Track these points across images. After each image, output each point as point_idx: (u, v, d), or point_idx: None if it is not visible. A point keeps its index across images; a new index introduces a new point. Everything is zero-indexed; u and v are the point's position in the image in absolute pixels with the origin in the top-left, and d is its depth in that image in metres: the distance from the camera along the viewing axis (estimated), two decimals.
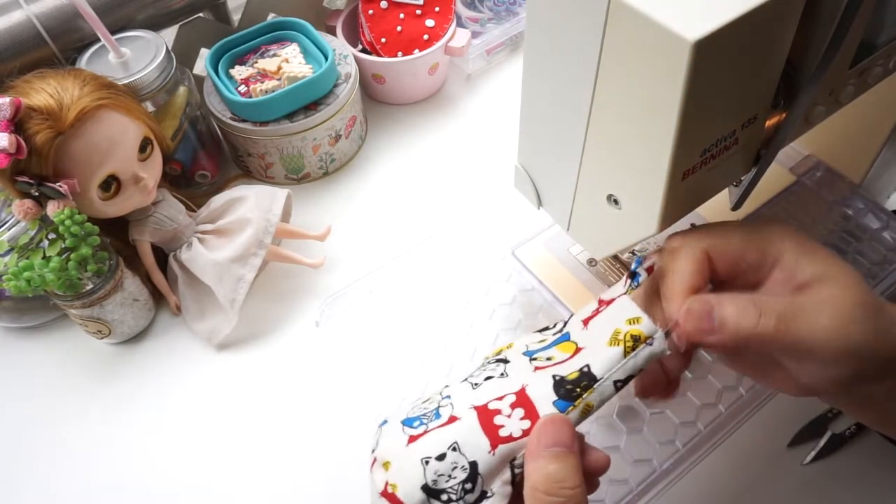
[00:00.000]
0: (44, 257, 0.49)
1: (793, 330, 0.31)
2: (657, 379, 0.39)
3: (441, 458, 0.32)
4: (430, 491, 0.31)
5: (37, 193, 0.47)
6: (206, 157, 0.64)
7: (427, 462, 0.32)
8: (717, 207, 0.41)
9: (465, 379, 0.37)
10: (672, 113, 0.29)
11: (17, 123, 0.45)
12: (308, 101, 0.61)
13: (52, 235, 0.50)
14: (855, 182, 0.55)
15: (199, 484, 0.49)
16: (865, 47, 0.35)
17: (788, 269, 0.34)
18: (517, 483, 0.32)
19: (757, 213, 0.54)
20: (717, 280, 0.36)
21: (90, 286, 0.51)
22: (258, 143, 0.62)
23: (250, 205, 0.56)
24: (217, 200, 0.57)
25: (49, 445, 0.52)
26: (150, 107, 0.57)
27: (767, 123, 0.35)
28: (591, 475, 0.33)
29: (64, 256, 0.49)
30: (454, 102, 0.72)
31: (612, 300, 0.36)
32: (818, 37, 0.31)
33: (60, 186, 0.47)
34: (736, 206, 0.39)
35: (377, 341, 0.52)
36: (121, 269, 0.53)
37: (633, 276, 0.36)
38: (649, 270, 0.36)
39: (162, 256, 0.58)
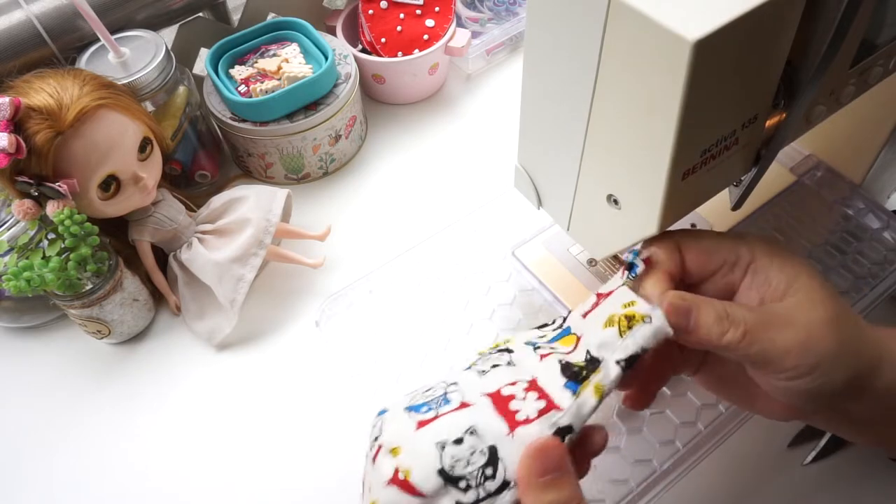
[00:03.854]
0: (43, 257, 0.49)
1: (757, 342, 0.32)
2: (647, 392, 0.39)
3: (458, 441, 0.31)
4: (448, 477, 0.30)
5: (36, 193, 0.47)
6: (205, 157, 0.64)
7: (443, 446, 0.31)
8: (717, 207, 0.41)
9: (469, 367, 0.36)
10: (672, 113, 0.29)
11: (17, 123, 0.45)
12: (308, 101, 0.61)
13: (51, 235, 0.50)
14: (855, 182, 0.55)
15: (199, 484, 0.49)
16: (866, 47, 0.35)
17: (762, 272, 0.34)
18: None
19: (750, 218, 0.54)
20: (688, 281, 0.36)
21: (90, 286, 0.51)
22: (258, 143, 0.62)
23: (250, 205, 0.56)
24: (217, 200, 0.57)
25: (49, 445, 0.52)
26: (149, 107, 0.57)
27: (767, 123, 0.35)
28: (588, 458, 0.33)
29: (63, 256, 0.49)
30: (454, 102, 0.72)
31: (611, 292, 0.36)
32: (818, 37, 0.31)
33: (60, 186, 0.47)
34: (736, 206, 0.39)
35: (377, 341, 0.52)
36: (120, 269, 0.53)
37: (630, 267, 0.36)
38: (646, 262, 0.36)
39: (162, 256, 0.58)
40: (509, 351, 0.36)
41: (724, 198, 0.39)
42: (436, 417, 0.32)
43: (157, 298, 0.58)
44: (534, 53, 0.36)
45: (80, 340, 0.57)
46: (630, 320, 0.33)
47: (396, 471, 0.31)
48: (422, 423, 0.32)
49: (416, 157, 0.68)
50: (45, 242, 0.50)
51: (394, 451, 0.32)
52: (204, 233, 0.56)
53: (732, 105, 0.32)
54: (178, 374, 0.55)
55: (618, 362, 0.32)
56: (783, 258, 0.34)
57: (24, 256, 0.49)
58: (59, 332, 0.58)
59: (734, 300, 0.35)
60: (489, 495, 0.30)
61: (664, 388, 0.47)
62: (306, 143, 0.62)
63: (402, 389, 0.48)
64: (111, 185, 0.50)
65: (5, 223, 0.52)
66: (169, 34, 0.63)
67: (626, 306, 0.34)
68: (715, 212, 0.52)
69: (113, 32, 0.55)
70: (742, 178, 0.37)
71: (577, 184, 0.39)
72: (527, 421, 0.31)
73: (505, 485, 0.31)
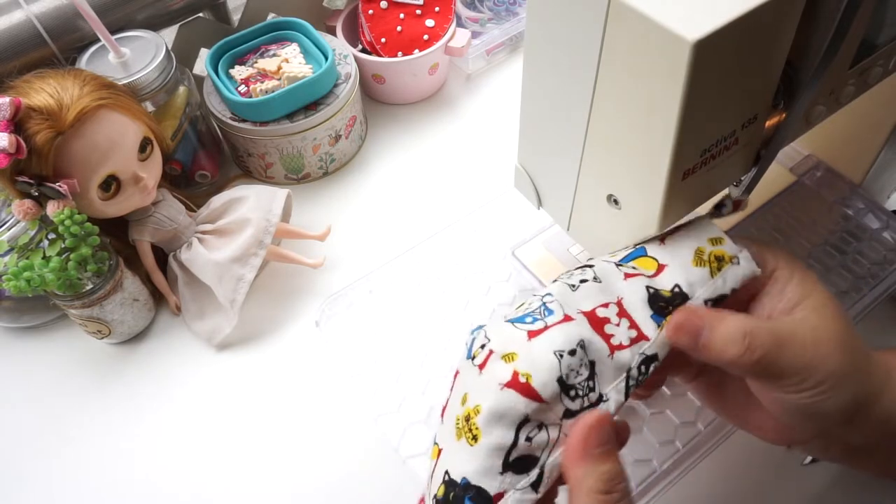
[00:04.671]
0: (44, 257, 0.49)
1: (775, 363, 0.32)
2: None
3: (572, 353, 0.32)
4: (564, 385, 0.31)
5: (37, 193, 0.47)
6: (206, 157, 0.64)
7: (561, 355, 0.31)
8: None
9: (556, 280, 0.36)
10: (672, 113, 0.29)
11: (17, 123, 0.45)
12: (308, 101, 0.61)
13: (51, 235, 0.50)
14: (855, 182, 0.55)
15: (199, 484, 0.49)
16: (865, 47, 0.35)
17: (782, 282, 0.34)
18: (629, 395, 0.33)
19: (750, 218, 0.54)
20: None
21: (90, 286, 0.51)
22: (258, 143, 0.62)
23: (250, 205, 0.56)
24: (217, 200, 0.57)
25: (49, 445, 0.52)
26: (149, 107, 0.57)
27: (767, 123, 0.35)
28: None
29: (64, 256, 0.49)
30: (454, 102, 0.72)
31: (691, 222, 0.36)
32: (818, 37, 0.31)
33: (60, 186, 0.47)
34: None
35: (377, 341, 0.52)
36: (121, 269, 0.53)
37: (719, 205, 0.37)
38: (736, 203, 0.37)
39: (162, 256, 0.58)
40: (590, 266, 0.36)
41: None
42: (546, 328, 0.33)
43: (157, 298, 0.58)
44: (534, 53, 0.36)
45: (80, 340, 0.57)
46: (720, 261, 0.34)
47: (516, 374, 0.31)
48: (533, 333, 0.32)
49: (416, 157, 0.68)
50: (46, 242, 0.50)
51: (508, 357, 0.32)
52: (204, 233, 0.56)
53: (732, 105, 0.32)
54: (178, 374, 0.55)
55: (706, 301, 0.33)
56: (803, 273, 0.34)
57: (24, 256, 0.49)
58: (59, 332, 0.58)
59: (755, 305, 0.35)
60: (590, 404, 0.32)
61: (664, 388, 0.47)
62: (306, 143, 0.62)
63: (402, 389, 0.49)
64: (111, 185, 0.50)
65: (5, 223, 0.52)
66: (169, 34, 0.63)
67: (712, 242, 0.35)
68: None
69: (113, 32, 0.55)
70: (742, 178, 0.37)
71: (577, 184, 0.39)
72: (621, 346, 0.33)
73: (601, 397, 0.32)
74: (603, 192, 0.37)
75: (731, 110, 0.32)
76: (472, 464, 0.31)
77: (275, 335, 0.56)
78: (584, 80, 0.33)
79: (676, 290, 0.34)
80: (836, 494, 0.46)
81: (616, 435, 0.33)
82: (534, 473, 0.31)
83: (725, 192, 0.37)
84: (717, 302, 0.34)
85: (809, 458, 0.48)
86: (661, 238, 0.36)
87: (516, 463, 0.31)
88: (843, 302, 0.49)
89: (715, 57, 0.28)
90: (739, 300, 0.35)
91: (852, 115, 0.43)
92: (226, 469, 0.49)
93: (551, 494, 0.32)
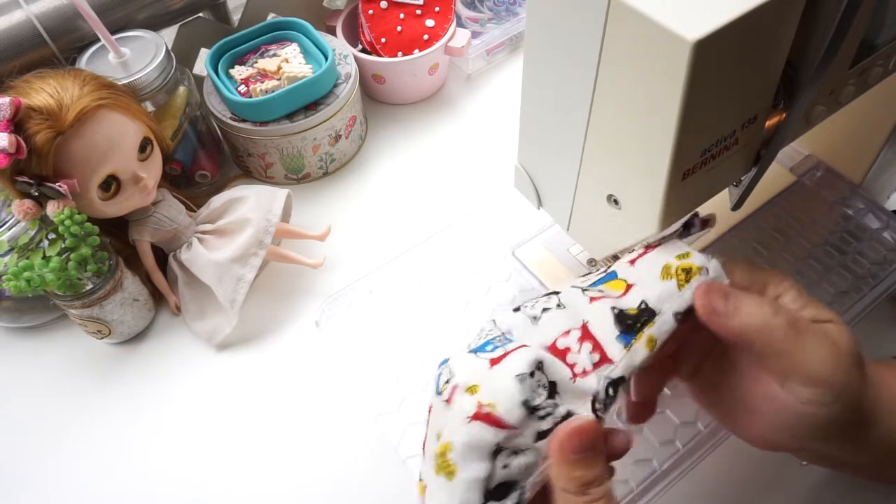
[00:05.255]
0: (44, 257, 0.49)
1: (797, 342, 0.32)
2: (644, 404, 0.39)
3: (532, 374, 0.32)
4: (529, 407, 0.31)
5: (37, 193, 0.47)
6: (206, 157, 0.64)
7: (522, 379, 0.32)
8: (717, 207, 0.41)
9: (517, 309, 0.36)
10: (672, 113, 0.29)
11: (17, 123, 0.45)
12: (308, 101, 0.61)
13: (51, 235, 0.50)
14: (855, 182, 0.55)
15: (199, 483, 0.49)
16: (865, 47, 0.35)
17: (799, 302, 0.34)
18: (598, 413, 0.32)
19: (750, 218, 0.54)
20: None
21: (90, 286, 0.51)
22: (258, 143, 0.62)
23: (250, 205, 0.56)
24: (217, 200, 0.57)
25: (49, 445, 0.52)
26: (149, 107, 0.57)
27: (767, 123, 0.35)
28: (611, 458, 0.34)
29: (64, 256, 0.49)
30: (454, 102, 0.72)
31: (660, 243, 0.36)
32: (818, 37, 0.31)
33: (60, 186, 0.47)
34: (736, 206, 0.39)
35: (377, 341, 0.52)
36: (121, 269, 0.53)
37: (687, 225, 0.36)
38: (703, 222, 0.36)
39: (162, 256, 0.58)
40: (556, 293, 0.36)
41: (724, 198, 0.39)
42: (506, 354, 0.33)
43: (157, 298, 0.58)
44: (534, 53, 0.36)
45: (80, 340, 0.57)
46: (688, 273, 0.33)
47: (479, 405, 0.31)
48: (494, 361, 0.33)
49: (416, 157, 0.68)
50: (46, 242, 0.50)
51: (471, 389, 0.32)
52: (204, 233, 0.56)
53: (732, 105, 0.32)
54: (178, 374, 0.55)
55: (675, 314, 0.33)
56: (808, 297, 0.34)
57: (24, 256, 0.49)
58: (59, 332, 0.58)
59: None
60: (562, 419, 0.32)
61: (664, 388, 0.47)
62: (306, 143, 0.62)
63: (402, 389, 0.49)
64: (111, 185, 0.50)
65: (5, 223, 0.52)
66: (169, 34, 0.63)
67: (680, 258, 0.34)
68: (715, 212, 0.52)
69: (113, 32, 0.55)
70: (742, 178, 0.37)
71: (577, 184, 0.39)
72: (584, 373, 0.33)
73: (569, 413, 0.32)
74: (603, 192, 0.37)
75: (731, 110, 0.32)
76: (452, 500, 0.31)
77: (275, 335, 0.56)
78: (584, 80, 0.33)
79: (643, 306, 0.33)
80: (836, 495, 0.46)
81: (615, 443, 0.33)
82: (514, 495, 0.31)
83: (694, 211, 0.37)
84: (686, 315, 0.33)
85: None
86: (632, 261, 0.36)
87: (497, 491, 0.31)
88: (843, 302, 0.49)
89: (715, 57, 0.28)
90: None
91: (852, 115, 0.43)
92: (226, 469, 0.49)
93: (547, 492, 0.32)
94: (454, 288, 0.54)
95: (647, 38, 0.28)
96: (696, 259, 0.34)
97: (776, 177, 0.56)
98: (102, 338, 0.55)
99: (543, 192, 0.43)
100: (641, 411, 0.40)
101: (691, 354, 0.38)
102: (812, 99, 0.34)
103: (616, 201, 0.36)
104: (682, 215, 0.36)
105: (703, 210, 0.37)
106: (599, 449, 0.32)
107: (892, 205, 0.54)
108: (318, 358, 0.54)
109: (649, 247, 0.37)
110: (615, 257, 0.51)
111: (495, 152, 0.67)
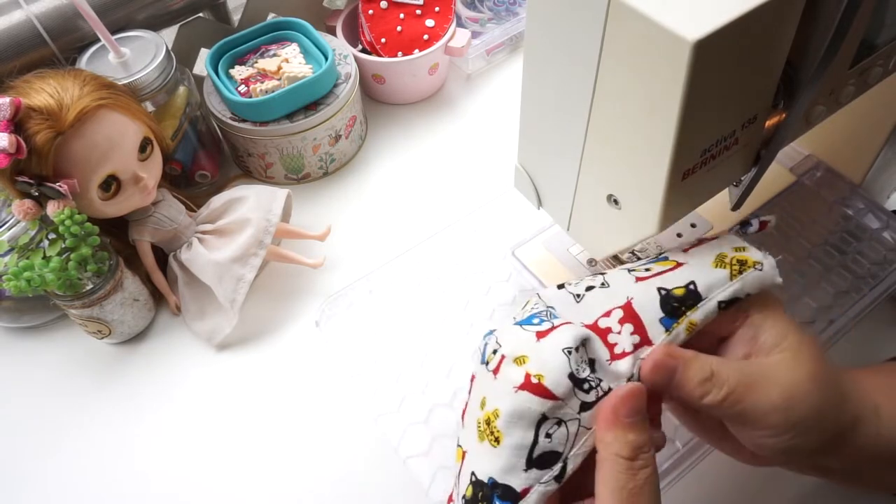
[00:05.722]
0: (44, 257, 0.49)
1: (738, 404, 0.32)
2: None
3: (578, 349, 0.33)
4: (575, 380, 0.32)
5: (37, 193, 0.47)
6: (206, 157, 0.64)
7: (569, 352, 0.32)
8: (717, 207, 0.41)
9: (561, 286, 0.37)
10: (672, 113, 0.29)
11: (17, 123, 0.45)
12: (308, 101, 0.61)
13: (52, 235, 0.50)
14: (855, 182, 0.55)
15: (198, 483, 0.49)
16: (865, 47, 0.35)
17: (754, 327, 0.34)
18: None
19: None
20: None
21: (90, 286, 0.51)
22: (258, 143, 0.62)
23: (250, 205, 0.56)
24: (217, 200, 0.57)
25: (49, 445, 0.52)
26: (149, 107, 0.57)
27: (767, 123, 0.35)
28: None
29: (64, 256, 0.49)
30: (454, 102, 0.72)
31: (716, 236, 0.37)
32: (818, 37, 0.31)
33: (60, 186, 0.47)
34: (736, 206, 0.39)
35: (377, 341, 0.52)
36: (121, 269, 0.53)
37: (744, 223, 0.37)
38: (762, 225, 0.37)
39: (162, 256, 0.58)
40: (602, 273, 0.37)
41: (724, 198, 0.39)
42: (553, 329, 0.34)
43: (157, 298, 0.58)
44: (534, 53, 0.36)
45: (80, 340, 0.57)
46: (742, 265, 0.34)
47: (528, 376, 0.32)
48: (541, 334, 0.34)
49: (416, 157, 0.68)
50: (46, 242, 0.50)
51: (519, 360, 0.33)
52: (204, 233, 0.56)
53: (732, 105, 0.32)
54: (178, 374, 0.55)
55: (719, 303, 0.33)
56: (776, 317, 0.34)
57: (24, 256, 0.49)
58: (59, 332, 0.58)
59: (725, 348, 0.35)
60: (605, 393, 0.33)
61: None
62: (306, 143, 0.62)
63: (402, 389, 0.49)
64: (111, 185, 0.50)
65: (5, 223, 0.52)
66: (169, 34, 0.63)
67: (736, 250, 0.35)
68: (715, 212, 0.52)
69: (113, 32, 0.55)
70: (742, 178, 0.37)
71: (577, 184, 0.39)
72: (623, 354, 0.33)
73: (610, 389, 0.33)
74: (603, 192, 0.37)
75: (731, 110, 0.32)
76: (496, 464, 0.32)
77: (275, 335, 0.56)
78: (584, 80, 0.33)
79: (691, 287, 0.34)
80: (836, 494, 0.46)
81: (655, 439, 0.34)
82: (557, 467, 0.32)
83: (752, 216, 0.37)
84: (730, 304, 0.33)
85: None
86: (685, 249, 0.37)
87: (539, 460, 0.32)
88: (843, 302, 0.49)
89: (715, 57, 0.28)
90: (710, 343, 0.35)
91: (852, 115, 0.43)
92: (226, 469, 0.49)
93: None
94: (454, 288, 0.54)
95: (647, 38, 0.28)
96: (753, 253, 0.35)
97: (776, 177, 0.56)
98: (102, 338, 0.55)
99: (543, 192, 0.43)
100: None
101: None
102: (812, 99, 0.34)
103: (616, 201, 0.36)
104: (682, 215, 0.36)
105: (704, 209, 0.37)
106: (646, 416, 0.32)
107: (892, 205, 0.54)
108: (318, 358, 0.54)
109: (703, 240, 0.37)
110: (615, 258, 0.51)
111: (495, 152, 0.67)
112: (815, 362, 0.33)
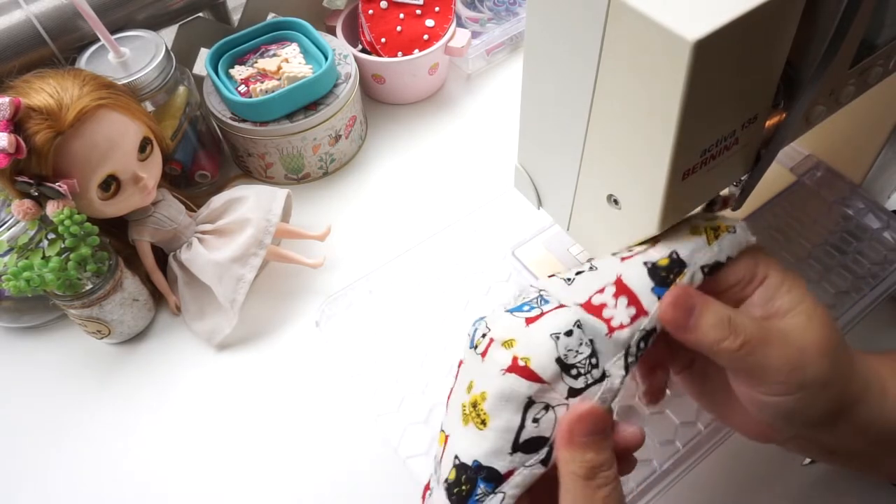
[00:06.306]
0: (43, 257, 0.49)
1: (752, 354, 0.32)
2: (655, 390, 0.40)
3: (569, 333, 0.33)
4: (563, 365, 0.32)
5: (36, 193, 0.47)
6: (205, 157, 0.64)
7: (557, 337, 0.33)
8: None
9: (552, 275, 0.37)
10: (672, 113, 0.29)
11: (17, 123, 0.45)
12: (308, 101, 0.61)
13: (51, 235, 0.50)
14: (855, 182, 0.55)
15: (198, 483, 0.49)
16: (865, 47, 0.35)
17: (770, 290, 0.34)
18: (629, 368, 0.33)
19: (750, 218, 0.54)
20: (706, 291, 0.36)
21: (90, 286, 0.51)
22: (258, 143, 0.62)
23: (250, 205, 0.56)
24: (217, 200, 0.57)
25: (48, 445, 0.52)
26: (149, 107, 0.57)
27: (767, 123, 0.35)
28: (625, 452, 0.34)
29: (63, 256, 0.49)
30: (454, 102, 0.72)
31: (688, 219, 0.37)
32: (818, 37, 0.31)
33: (60, 186, 0.47)
34: (736, 207, 0.39)
35: (377, 341, 0.52)
36: (120, 269, 0.53)
37: (710, 204, 0.38)
38: (724, 201, 0.37)
39: (162, 256, 0.58)
40: (588, 261, 0.38)
41: None
42: (542, 315, 0.34)
43: (157, 298, 0.58)
44: (534, 53, 0.36)
45: (80, 340, 0.57)
46: (716, 231, 0.35)
47: (515, 359, 0.33)
48: (530, 320, 0.34)
49: (416, 157, 0.68)
50: (45, 242, 0.50)
51: (507, 344, 0.33)
52: (204, 233, 0.56)
53: (732, 105, 0.32)
54: (178, 374, 0.55)
55: (702, 268, 0.34)
56: (793, 281, 0.34)
57: (24, 256, 0.49)
58: (59, 332, 0.58)
59: (740, 311, 0.35)
60: (594, 381, 0.33)
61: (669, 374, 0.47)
62: (306, 143, 0.62)
63: (402, 389, 0.49)
64: (111, 185, 0.50)
65: (5, 223, 0.52)
66: (169, 34, 0.63)
67: (708, 220, 0.36)
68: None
69: (113, 32, 0.55)
70: (742, 178, 0.37)
71: (577, 184, 0.39)
72: (621, 327, 0.33)
73: (603, 374, 0.33)
74: (603, 192, 0.37)
75: (731, 110, 0.32)
76: (482, 446, 0.33)
77: (275, 335, 0.56)
78: (584, 80, 0.33)
79: (674, 255, 0.34)
80: (836, 494, 0.46)
81: (628, 437, 0.34)
82: (543, 451, 0.32)
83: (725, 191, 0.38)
84: (713, 269, 0.34)
85: (809, 459, 0.48)
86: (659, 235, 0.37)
87: (526, 444, 0.32)
88: (843, 302, 0.49)
89: (715, 57, 0.28)
90: (728, 302, 0.35)
91: (852, 115, 0.43)
92: (226, 469, 0.49)
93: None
94: (454, 288, 0.54)
95: (647, 38, 0.28)
96: (725, 221, 0.35)
97: (776, 177, 0.56)
98: (102, 338, 0.55)
99: (543, 192, 0.43)
100: (655, 392, 0.40)
101: (682, 350, 0.38)
102: (812, 99, 0.34)
103: (616, 201, 0.36)
104: (682, 215, 0.36)
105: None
106: (608, 433, 0.32)
107: (892, 205, 0.54)
108: (318, 358, 0.54)
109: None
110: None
111: (495, 152, 0.67)
112: (830, 330, 0.33)
